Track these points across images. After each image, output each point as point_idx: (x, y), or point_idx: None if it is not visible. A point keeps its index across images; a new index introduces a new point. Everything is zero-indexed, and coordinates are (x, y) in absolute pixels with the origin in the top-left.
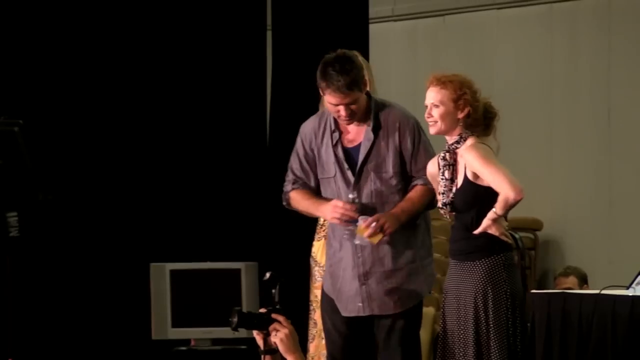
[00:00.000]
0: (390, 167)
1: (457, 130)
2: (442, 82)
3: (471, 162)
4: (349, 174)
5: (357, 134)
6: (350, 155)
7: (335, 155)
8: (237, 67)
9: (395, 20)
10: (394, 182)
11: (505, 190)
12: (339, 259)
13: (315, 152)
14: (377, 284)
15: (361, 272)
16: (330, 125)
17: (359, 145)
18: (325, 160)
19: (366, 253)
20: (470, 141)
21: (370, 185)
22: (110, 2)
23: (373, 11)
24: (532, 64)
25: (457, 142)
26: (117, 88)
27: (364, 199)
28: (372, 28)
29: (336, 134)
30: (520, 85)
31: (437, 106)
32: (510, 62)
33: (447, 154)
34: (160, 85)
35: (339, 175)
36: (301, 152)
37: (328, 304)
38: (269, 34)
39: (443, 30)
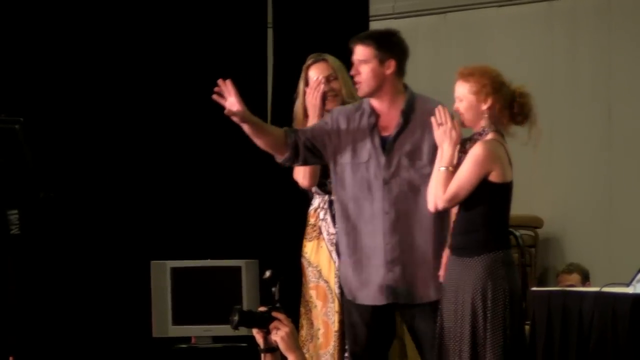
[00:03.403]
0: (424, 156)
1: (482, 122)
2: (464, 75)
3: (469, 153)
4: (383, 160)
5: (391, 122)
6: (385, 142)
7: (372, 141)
8: (238, 65)
9: (395, 18)
10: (427, 171)
11: (439, 193)
12: (361, 247)
13: (343, 133)
14: (404, 271)
15: (389, 259)
16: (367, 111)
17: (393, 134)
18: (360, 145)
19: (394, 240)
20: (489, 136)
21: (402, 173)
22: (110, 2)
23: (374, 9)
24: (533, 62)
25: (480, 134)
26: (117, 86)
27: (396, 188)
28: (373, 26)
29: (372, 119)
30: (521, 83)
31: (461, 100)
32: (511, 60)
33: (468, 142)
34: (160, 84)
35: (373, 161)
36: (323, 121)
37: (350, 294)
38: (269, 32)
39: (444, 28)
